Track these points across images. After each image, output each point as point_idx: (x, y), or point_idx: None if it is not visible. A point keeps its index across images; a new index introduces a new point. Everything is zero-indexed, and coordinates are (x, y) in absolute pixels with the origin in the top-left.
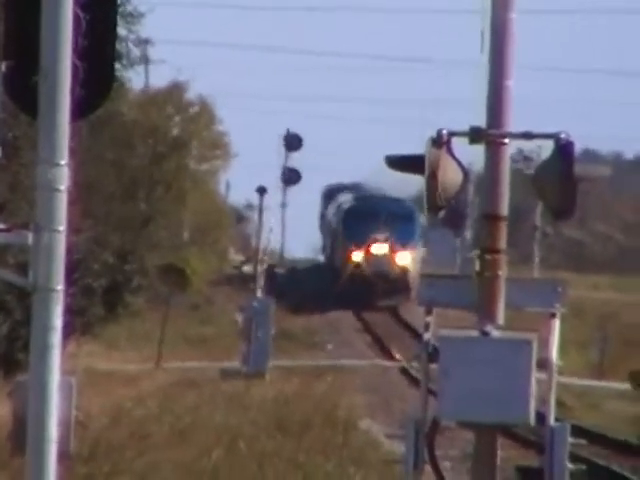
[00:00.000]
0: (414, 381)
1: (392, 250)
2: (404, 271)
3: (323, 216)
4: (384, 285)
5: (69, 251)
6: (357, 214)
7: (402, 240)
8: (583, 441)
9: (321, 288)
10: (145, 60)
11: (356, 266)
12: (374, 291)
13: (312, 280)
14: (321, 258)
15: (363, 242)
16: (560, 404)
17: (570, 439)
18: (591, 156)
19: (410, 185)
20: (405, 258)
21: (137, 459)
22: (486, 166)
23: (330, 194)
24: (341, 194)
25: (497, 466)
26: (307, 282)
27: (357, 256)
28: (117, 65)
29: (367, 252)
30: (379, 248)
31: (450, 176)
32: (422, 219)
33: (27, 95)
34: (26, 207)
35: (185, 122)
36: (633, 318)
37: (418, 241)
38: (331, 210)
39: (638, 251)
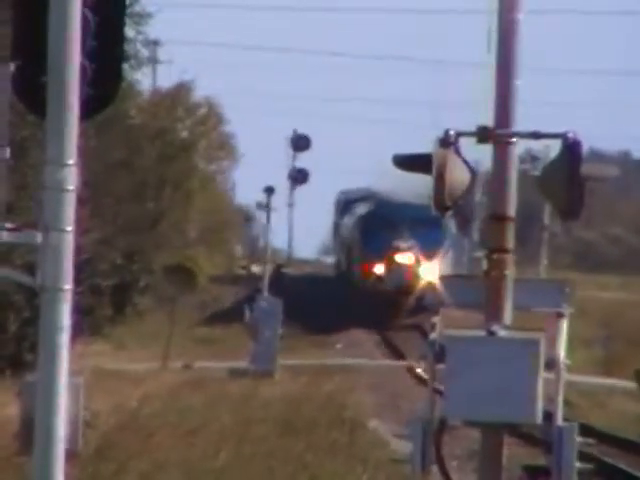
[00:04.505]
0: (422, 381)
1: (417, 261)
2: (431, 284)
3: (337, 227)
4: (408, 300)
5: (77, 251)
6: (377, 221)
7: (428, 250)
8: (591, 440)
9: (335, 306)
10: (153, 61)
11: (377, 279)
12: (397, 308)
13: (324, 297)
14: (329, 260)
15: (384, 252)
16: (566, 402)
17: (578, 438)
18: (598, 156)
19: (411, 185)
20: (432, 270)
21: (144, 459)
22: (493, 166)
23: (345, 204)
24: (358, 205)
25: (503, 465)
26: (318, 299)
27: (378, 268)
28: (125, 66)
29: (389, 263)
30: (403, 258)
31: (457, 176)
32: (450, 226)
33: (35, 95)
34: (34, 208)
35: (193, 124)
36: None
37: (446, 250)
38: (347, 222)
39: None
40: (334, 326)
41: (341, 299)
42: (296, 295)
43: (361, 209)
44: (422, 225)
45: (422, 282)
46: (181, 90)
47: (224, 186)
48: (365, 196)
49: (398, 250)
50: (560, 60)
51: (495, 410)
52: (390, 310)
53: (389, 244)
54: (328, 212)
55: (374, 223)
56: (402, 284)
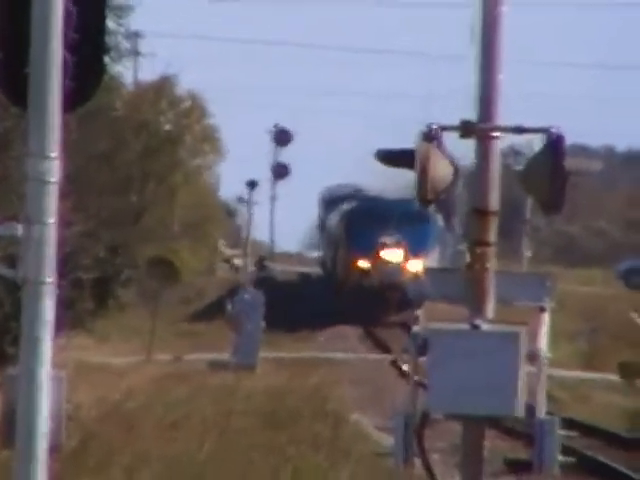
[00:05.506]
0: (405, 374)
1: (405, 256)
2: (415, 276)
3: (322, 225)
4: (396, 297)
5: (60, 244)
6: (363, 216)
7: (416, 245)
8: (574, 433)
9: (320, 305)
10: (135, 53)
11: (363, 275)
12: (383, 304)
13: (308, 292)
14: (314, 254)
15: (371, 248)
16: (549, 396)
17: (561, 431)
18: (582, 150)
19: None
20: (420, 265)
21: (126, 452)
22: (477, 160)
23: (331, 201)
24: (343, 201)
25: (484, 458)
26: (302, 298)
27: (364, 264)
28: (107, 58)
29: (376, 259)
30: (390, 254)
31: (440, 171)
32: (439, 221)
33: (17, 87)
34: (15, 200)
35: (177, 117)
36: (621, 311)
37: (434, 246)
38: (333, 218)
39: (630, 245)
40: (318, 321)
41: (326, 295)
42: (280, 289)
43: (347, 205)
44: (409, 220)
45: (408, 277)
46: (165, 83)
47: (208, 180)
48: (351, 192)
49: (385, 246)
50: (544, 54)
51: (477, 403)
52: (376, 306)
53: (376, 240)
54: (311, 206)
55: (360, 219)
56: (389, 280)
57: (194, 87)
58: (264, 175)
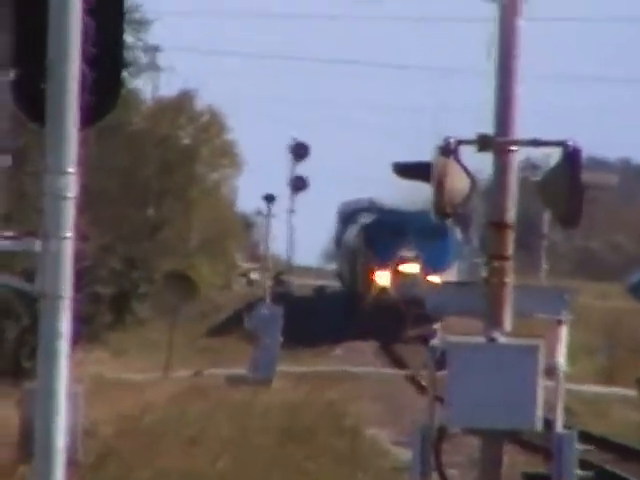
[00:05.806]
0: (421, 388)
1: (424, 270)
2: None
3: (339, 238)
4: (414, 312)
5: (77, 258)
6: (381, 229)
7: (435, 259)
8: (589, 447)
9: (337, 319)
10: (154, 67)
11: (381, 290)
12: (402, 319)
13: (326, 310)
14: (331, 267)
15: (389, 262)
16: (567, 410)
17: (578, 445)
18: (599, 163)
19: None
20: (439, 280)
21: (144, 467)
22: (494, 174)
23: (348, 215)
24: (362, 215)
25: (502, 473)
26: (320, 313)
27: (382, 278)
28: (125, 73)
29: (394, 273)
30: (408, 268)
31: (458, 184)
32: (458, 235)
33: (35, 103)
34: (33, 216)
35: (196, 131)
36: (638, 325)
37: (454, 260)
38: (351, 232)
39: None
40: (336, 335)
41: (344, 309)
42: (297, 303)
43: (365, 219)
44: (428, 234)
45: (427, 291)
46: (184, 98)
47: (226, 194)
48: (368, 205)
49: (403, 260)
50: (560, 67)
51: (495, 417)
52: (394, 321)
53: (394, 253)
54: (330, 219)
55: (379, 232)
56: (407, 294)
57: (212, 101)
58: (282, 189)
